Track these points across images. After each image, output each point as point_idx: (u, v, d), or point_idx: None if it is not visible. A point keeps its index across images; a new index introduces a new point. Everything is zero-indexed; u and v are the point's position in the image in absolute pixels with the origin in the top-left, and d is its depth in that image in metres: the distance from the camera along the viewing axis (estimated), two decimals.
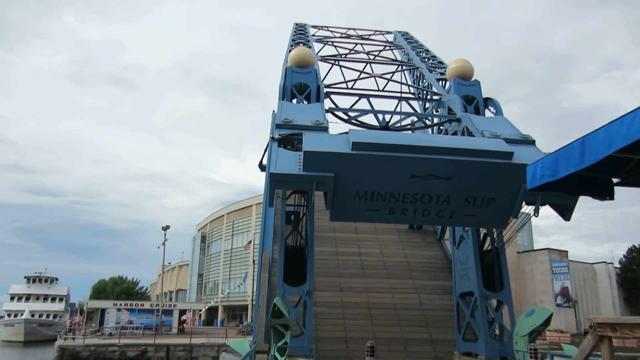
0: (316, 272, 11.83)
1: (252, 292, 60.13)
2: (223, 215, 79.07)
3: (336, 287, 15.30)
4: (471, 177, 9.63)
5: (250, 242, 58.63)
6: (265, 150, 16.59)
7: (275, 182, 9.56)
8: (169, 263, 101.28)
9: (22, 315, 58.60)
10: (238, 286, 63.96)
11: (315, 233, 12.07)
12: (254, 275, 63.03)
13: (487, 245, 12.89)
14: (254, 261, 62.91)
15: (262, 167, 17.35)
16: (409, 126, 17.52)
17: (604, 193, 6.14)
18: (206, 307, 60.32)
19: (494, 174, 9.61)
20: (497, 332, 11.74)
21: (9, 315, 62.55)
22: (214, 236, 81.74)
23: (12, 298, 65.30)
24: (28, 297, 65.28)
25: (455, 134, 14.39)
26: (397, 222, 13.13)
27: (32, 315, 58.98)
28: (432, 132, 17.25)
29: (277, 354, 9.30)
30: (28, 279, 67.95)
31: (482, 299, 11.50)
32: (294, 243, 13.20)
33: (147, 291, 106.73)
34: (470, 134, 12.95)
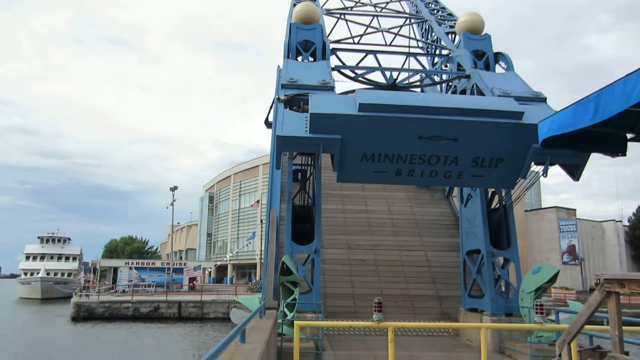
0: (323, 230, 11.92)
1: (260, 250, 61.22)
2: (230, 175, 79.46)
3: (343, 244, 15.44)
4: (480, 137, 9.47)
5: (258, 201, 59.04)
6: (271, 107, 16.41)
7: (282, 144, 9.49)
8: (178, 223, 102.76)
9: (37, 274, 60.37)
10: (246, 245, 65.00)
11: (322, 190, 12.08)
12: (261, 235, 63.99)
13: (494, 204, 12.84)
14: (261, 220, 63.72)
15: (268, 124, 17.21)
16: (417, 83, 17.15)
17: (617, 149, 6.03)
18: (216, 266, 61.56)
19: (503, 134, 9.44)
20: (502, 288, 11.85)
21: (25, 274, 64.50)
22: (222, 196, 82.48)
23: (27, 257, 67.13)
24: (43, 257, 67.00)
25: (464, 91, 14.06)
26: (404, 183, 13.10)
27: (48, 274, 60.70)
28: (441, 89, 16.89)
29: (286, 310, 9.48)
30: (42, 239, 69.51)
31: (489, 256, 11.55)
32: (301, 202, 13.24)
33: (157, 251, 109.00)
34: (480, 92, 12.64)
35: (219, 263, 61.45)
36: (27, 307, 47.39)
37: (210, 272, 63.53)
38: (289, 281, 9.74)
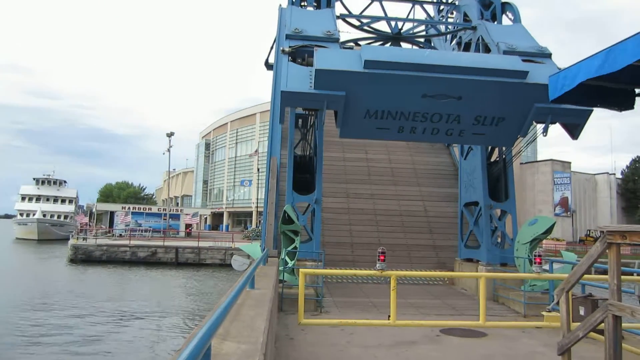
0: (323, 178, 11.99)
1: (257, 199, 61.77)
2: (227, 123, 78.70)
3: (343, 193, 15.57)
4: (483, 96, 9.51)
5: (256, 150, 58.94)
6: (272, 48, 16.02)
7: (286, 100, 9.38)
8: (174, 169, 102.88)
9: (33, 215, 60.81)
10: (242, 191, 65.44)
11: (323, 138, 12.11)
12: (258, 183, 64.36)
13: (494, 157, 12.93)
14: (258, 169, 63.87)
15: (268, 65, 16.87)
16: (422, 33, 16.76)
17: (623, 103, 6.04)
18: (212, 213, 62.21)
19: (506, 93, 9.48)
20: (498, 240, 12.13)
21: (21, 214, 64.84)
22: (218, 144, 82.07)
23: (22, 198, 67.10)
24: (38, 198, 67.12)
25: (469, 43, 13.77)
26: (405, 140, 13.12)
27: (44, 216, 61.20)
28: (446, 39, 16.48)
29: (287, 258, 9.66)
30: (37, 180, 69.29)
31: (486, 208, 11.77)
32: (302, 152, 13.22)
33: (153, 196, 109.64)
34: (486, 45, 12.43)
35: (216, 209, 62.00)
36: (25, 247, 48.09)
37: (206, 219, 64.37)
38: (290, 230, 9.86)
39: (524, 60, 10.05)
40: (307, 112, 13.25)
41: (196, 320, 15.08)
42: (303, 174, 11.94)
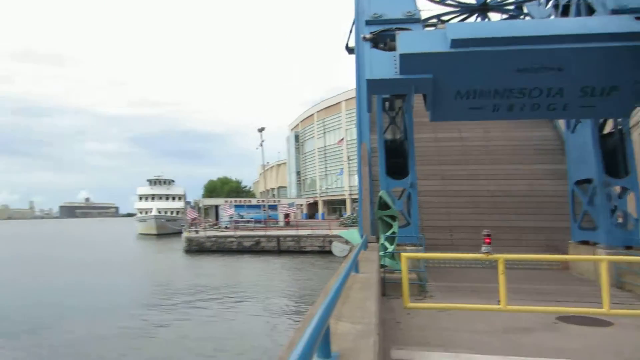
0: (416, 161, 11.79)
1: (350, 186, 62.35)
2: (313, 114, 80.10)
3: (437, 175, 15.18)
4: (588, 65, 8.48)
5: (342, 139, 59.36)
6: (351, 31, 15.95)
7: (372, 88, 9.32)
8: (268, 162, 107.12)
9: (150, 212, 67.29)
10: (334, 180, 66.40)
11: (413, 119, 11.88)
12: (349, 171, 64.83)
13: (608, 128, 11.69)
14: (348, 157, 64.31)
15: (349, 49, 16.82)
16: (511, 0, 15.57)
17: None
18: (307, 202, 63.95)
19: (617, 59, 8.36)
20: (619, 220, 10.99)
21: (140, 212, 72.25)
22: (307, 135, 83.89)
23: (140, 198, 74.94)
24: (153, 197, 74.28)
25: (568, 5, 12.49)
26: (502, 118, 12.43)
27: (159, 212, 67.38)
28: (540, 3, 15.17)
29: (386, 243, 9.70)
30: (150, 181, 76.74)
31: (603, 186, 10.73)
32: (392, 136, 13.08)
33: (251, 189, 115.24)
34: (588, 5, 11.18)
35: (311, 199, 63.61)
36: (147, 241, 53.38)
37: (302, 209, 66.32)
38: (387, 215, 9.88)
39: (637, 19, 8.93)
40: (394, 96, 13.11)
41: (301, 302, 15.77)
42: (395, 159, 11.81)
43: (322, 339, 2.03)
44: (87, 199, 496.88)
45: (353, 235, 11.93)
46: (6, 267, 29.90)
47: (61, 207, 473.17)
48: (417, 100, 10.46)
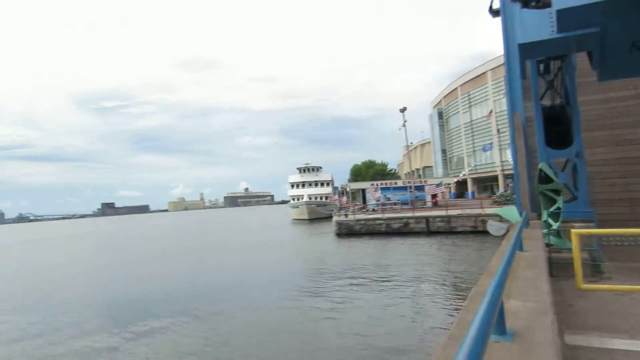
0: (581, 127, 10.49)
1: (501, 161, 58.25)
2: (456, 88, 76.29)
3: (609, 141, 13.31)
4: None
5: (491, 111, 55.53)
6: None
7: (526, 52, 8.45)
8: (411, 143, 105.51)
9: (302, 199, 71.72)
10: (484, 156, 62.63)
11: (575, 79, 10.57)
12: (499, 145, 60.50)
13: None
14: (498, 130, 60.00)
15: (493, 12, 15.53)
16: None
17: None
18: (455, 181, 61.60)
19: None
20: None
21: (293, 199, 77.52)
22: (451, 111, 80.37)
23: (292, 186, 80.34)
24: (303, 185, 79.07)
25: None
26: None
27: (310, 198, 71.44)
28: None
29: (550, 220, 8.90)
30: (300, 169, 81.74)
31: None
32: (551, 102, 11.82)
33: (396, 171, 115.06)
34: None
35: (459, 177, 61.07)
36: (300, 226, 57.05)
37: (450, 188, 64.06)
38: (549, 189, 9.02)
39: None
40: (551, 58, 11.78)
41: (458, 283, 15.37)
42: (555, 127, 10.67)
43: (497, 316, 1.99)
44: (246, 189, 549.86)
45: (511, 212, 11.16)
46: (189, 253, 34.68)
47: (225, 198, 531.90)
48: (578, 58, 9.31)
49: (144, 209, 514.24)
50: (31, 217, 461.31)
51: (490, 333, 1.80)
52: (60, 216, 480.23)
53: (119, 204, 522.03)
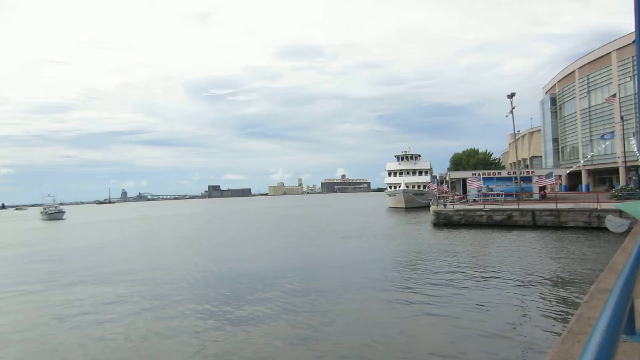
0: None
1: (623, 152, 52.47)
2: (574, 71, 69.74)
3: None
4: None
5: (614, 95, 50.01)
6: None
7: None
8: (518, 131, 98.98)
9: (399, 187, 70.97)
10: (603, 146, 56.86)
11: None
12: (622, 134, 54.46)
13: None
14: (622, 117, 54.08)
15: None
16: None
17: None
18: (567, 172, 56.84)
19: None
20: None
21: (389, 187, 76.97)
22: (566, 96, 73.80)
23: (389, 173, 79.78)
24: (401, 173, 78.11)
25: None
26: None
27: (407, 187, 70.46)
28: None
29: None
30: (397, 157, 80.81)
31: None
32: None
33: (500, 161, 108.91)
34: None
35: (572, 168, 56.21)
36: (396, 215, 56.64)
37: (561, 180, 59.24)
38: None
39: None
40: None
41: (566, 284, 14.40)
42: None
43: (627, 315, 1.93)
44: (343, 176, 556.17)
45: (636, 207, 10.13)
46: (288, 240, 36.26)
47: (322, 184, 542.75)
48: None
49: (246, 193, 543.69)
50: (149, 197, 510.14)
51: (621, 332, 1.74)
52: (172, 196, 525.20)
53: (223, 187, 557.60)
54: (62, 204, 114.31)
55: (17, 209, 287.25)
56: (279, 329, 11.06)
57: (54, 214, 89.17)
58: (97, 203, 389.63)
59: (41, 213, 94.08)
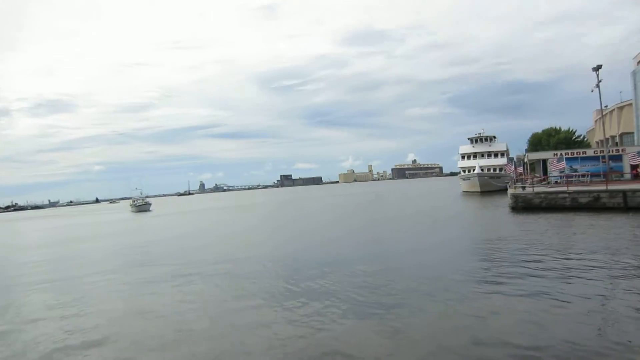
0: None
1: None
2: None
3: None
4: None
5: None
6: None
7: None
8: (606, 106, 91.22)
9: (473, 171, 68.41)
10: None
11: None
12: None
13: None
14: None
15: None
16: None
17: None
18: None
19: None
20: None
21: (463, 171, 74.44)
22: None
23: (462, 157, 77.09)
24: (475, 155, 75.18)
25: None
26: None
27: (482, 170, 67.75)
28: None
29: None
30: (471, 139, 77.80)
31: None
32: None
33: (584, 139, 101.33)
34: None
35: None
36: (470, 199, 54.78)
37: None
38: None
39: None
40: None
41: None
42: None
43: None
44: (414, 161, 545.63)
45: None
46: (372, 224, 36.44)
47: (393, 169, 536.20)
48: None
49: (317, 181, 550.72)
50: (224, 187, 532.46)
51: None
52: (246, 187, 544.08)
53: (295, 176, 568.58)
54: (147, 196, 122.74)
55: (110, 202, 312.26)
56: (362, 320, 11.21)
57: (142, 206, 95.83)
58: (178, 195, 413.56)
59: (130, 205, 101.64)
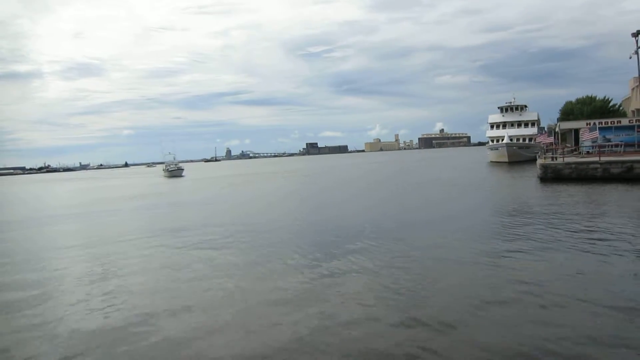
0: None
1: None
2: None
3: None
4: None
5: None
6: None
7: None
8: None
9: (502, 140, 67.40)
10: None
11: None
12: None
13: None
14: None
15: None
16: None
17: None
18: None
19: None
20: None
21: (492, 141, 73.40)
22: None
23: (491, 126, 75.83)
24: (504, 125, 73.87)
25: None
26: None
27: (511, 140, 66.68)
28: None
29: None
30: (501, 109, 76.25)
31: None
32: None
33: (620, 108, 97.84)
34: None
35: None
36: (498, 169, 54.36)
37: None
38: None
39: None
40: None
41: None
42: None
43: None
44: (441, 130, 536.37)
45: None
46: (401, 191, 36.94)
47: (419, 139, 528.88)
48: None
49: (343, 149, 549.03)
50: (251, 155, 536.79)
51: None
52: (272, 154, 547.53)
53: (321, 144, 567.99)
54: (179, 162, 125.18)
55: (148, 166, 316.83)
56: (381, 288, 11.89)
57: (175, 171, 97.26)
58: (205, 161, 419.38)
59: (163, 170, 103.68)
